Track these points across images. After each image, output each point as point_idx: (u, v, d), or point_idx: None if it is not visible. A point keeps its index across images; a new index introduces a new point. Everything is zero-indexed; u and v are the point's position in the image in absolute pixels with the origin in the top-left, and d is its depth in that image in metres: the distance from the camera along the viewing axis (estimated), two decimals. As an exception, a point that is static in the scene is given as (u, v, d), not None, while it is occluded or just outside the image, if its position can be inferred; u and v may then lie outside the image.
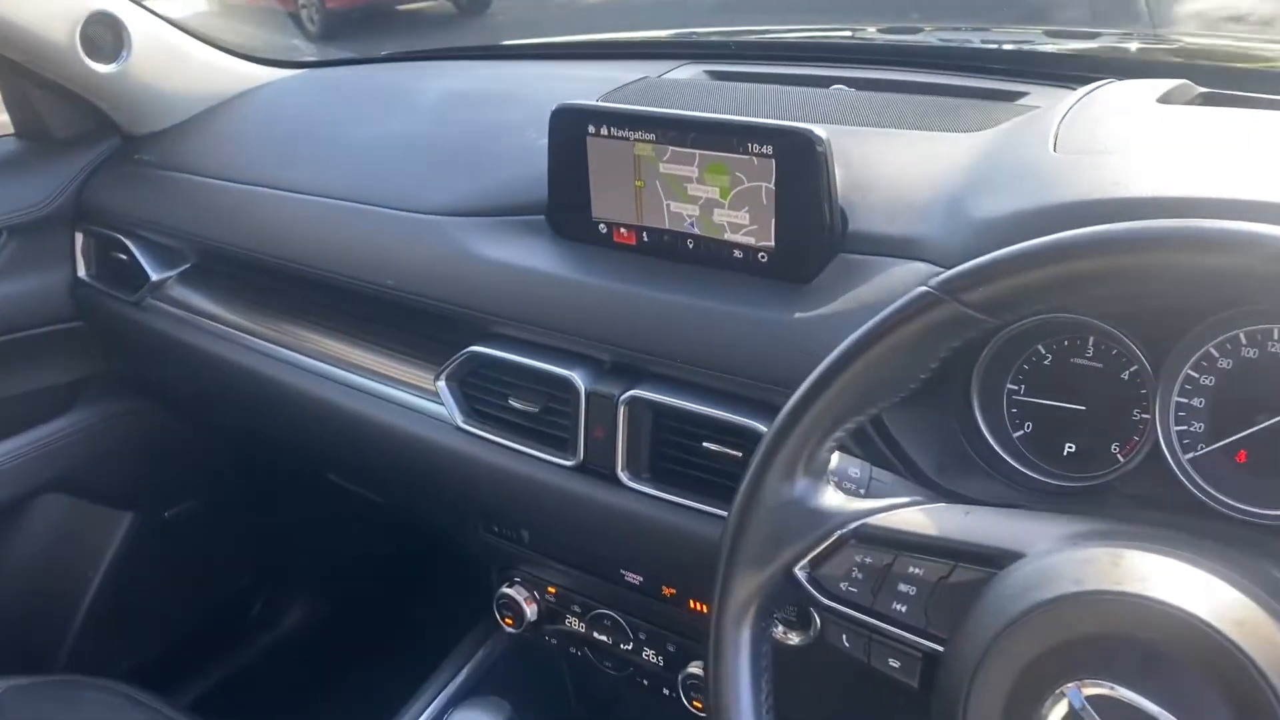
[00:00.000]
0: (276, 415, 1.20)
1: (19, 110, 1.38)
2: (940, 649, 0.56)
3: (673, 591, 0.93)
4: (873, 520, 0.59)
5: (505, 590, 1.04)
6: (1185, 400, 0.76)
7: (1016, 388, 0.83)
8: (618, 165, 0.91)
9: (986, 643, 0.52)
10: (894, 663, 0.57)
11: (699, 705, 0.93)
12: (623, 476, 0.90)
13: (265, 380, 1.17)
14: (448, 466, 1.02)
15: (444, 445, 1.01)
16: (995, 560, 0.55)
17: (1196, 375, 0.75)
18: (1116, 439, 0.78)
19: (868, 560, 0.59)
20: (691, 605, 0.92)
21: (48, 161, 1.37)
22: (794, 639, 0.81)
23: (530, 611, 1.04)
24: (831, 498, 0.62)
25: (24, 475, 1.41)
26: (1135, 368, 0.77)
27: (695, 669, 0.93)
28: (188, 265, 1.29)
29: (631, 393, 0.88)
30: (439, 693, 1.07)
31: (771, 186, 0.85)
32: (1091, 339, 0.80)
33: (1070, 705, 0.50)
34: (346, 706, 1.14)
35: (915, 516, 0.60)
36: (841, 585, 0.59)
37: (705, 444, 0.86)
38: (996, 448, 0.81)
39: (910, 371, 0.59)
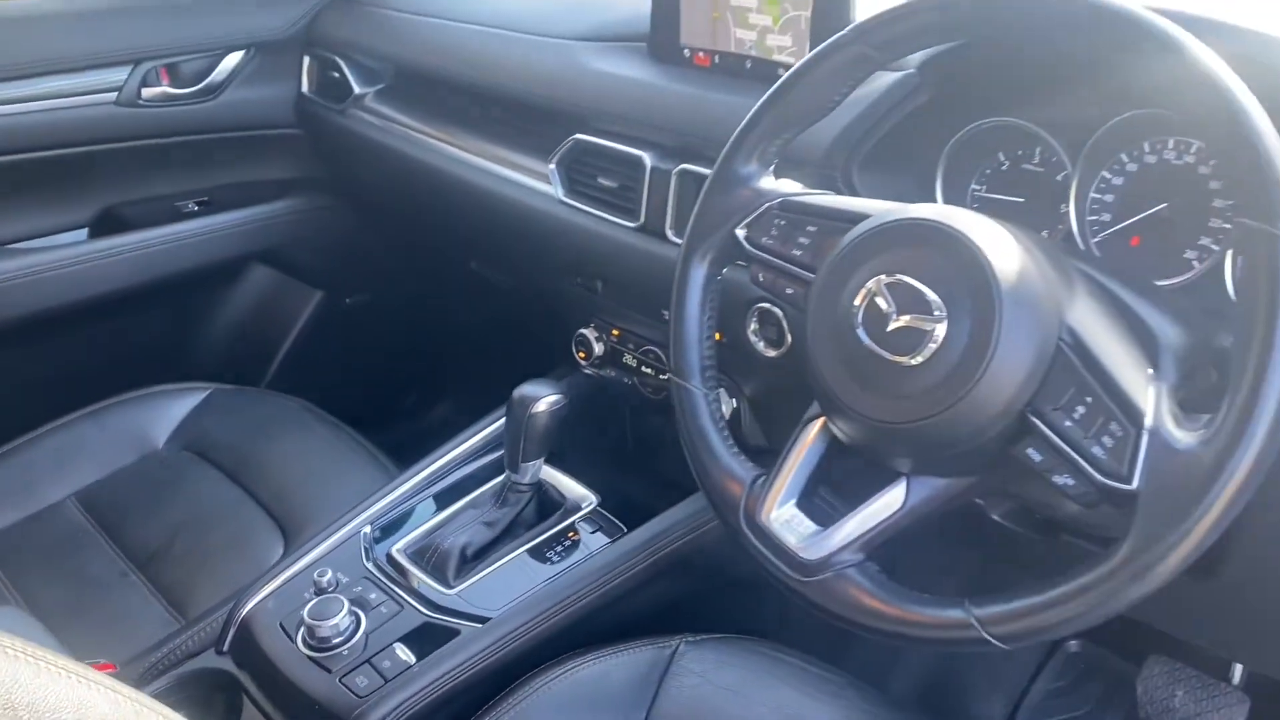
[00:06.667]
0: (439, 197, 1.55)
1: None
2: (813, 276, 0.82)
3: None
4: (794, 197, 0.86)
5: (582, 330, 1.35)
6: (1098, 196, 0.98)
7: (980, 188, 1.07)
8: (703, 2, 1.19)
9: (846, 245, 0.79)
10: (790, 290, 0.84)
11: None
12: (669, 234, 1.18)
13: (433, 170, 1.52)
14: (552, 231, 1.34)
15: (551, 214, 1.33)
16: (855, 220, 0.81)
17: (1109, 176, 0.98)
18: (1045, 227, 1.01)
19: (782, 223, 0.85)
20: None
21: None
22: (771, 352, 1.08)
23: (599, 348, 1.34)
24: (768, 181, 0.88)
25: (241, 242, 1.80)
26: (1066, 171, 1.00)
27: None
28: (384, 84, 1.65)
29: (683, 166, 1.16)
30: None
31: (808, 15, 1.11)
32: (1038, 149, 1.03)
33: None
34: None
35: (821, 197, 0.86)
36: (763, 240, 0.86)
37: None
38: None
39: (829, 95, 0.85)
